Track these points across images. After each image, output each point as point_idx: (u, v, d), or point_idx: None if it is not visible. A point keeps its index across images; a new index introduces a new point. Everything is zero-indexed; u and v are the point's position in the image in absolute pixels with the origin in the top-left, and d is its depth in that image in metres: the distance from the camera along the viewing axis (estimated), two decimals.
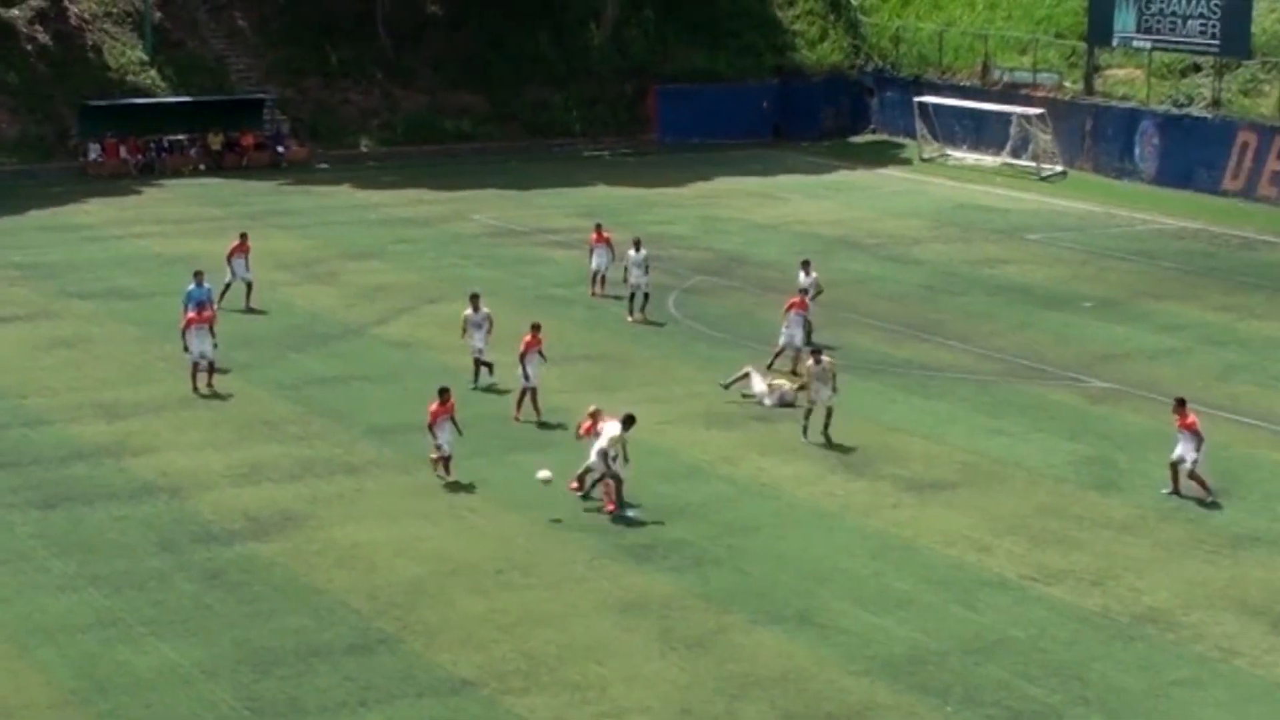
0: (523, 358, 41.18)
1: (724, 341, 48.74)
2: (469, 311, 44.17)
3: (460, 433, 37.08)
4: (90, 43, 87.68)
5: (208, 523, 34.57)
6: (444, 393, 36.84)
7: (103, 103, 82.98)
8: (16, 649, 28.64)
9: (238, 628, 29.41)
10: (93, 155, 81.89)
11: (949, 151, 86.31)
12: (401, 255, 61.39)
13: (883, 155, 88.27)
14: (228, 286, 52.82)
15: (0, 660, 28.19)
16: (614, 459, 34.99)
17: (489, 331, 43.98)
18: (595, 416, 35.99)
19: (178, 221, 69.24)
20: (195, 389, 43.42)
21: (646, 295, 51.15)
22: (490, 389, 43.64)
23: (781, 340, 45.50)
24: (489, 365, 43.83)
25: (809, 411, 39.87)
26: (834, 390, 39.74)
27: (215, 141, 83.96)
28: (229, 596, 30.84)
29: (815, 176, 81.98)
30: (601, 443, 35.02)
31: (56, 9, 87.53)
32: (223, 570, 32.07)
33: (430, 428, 36.67)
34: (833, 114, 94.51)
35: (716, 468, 38.20)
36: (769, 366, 44.56)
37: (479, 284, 55.59)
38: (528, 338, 41.47)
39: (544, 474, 35.03)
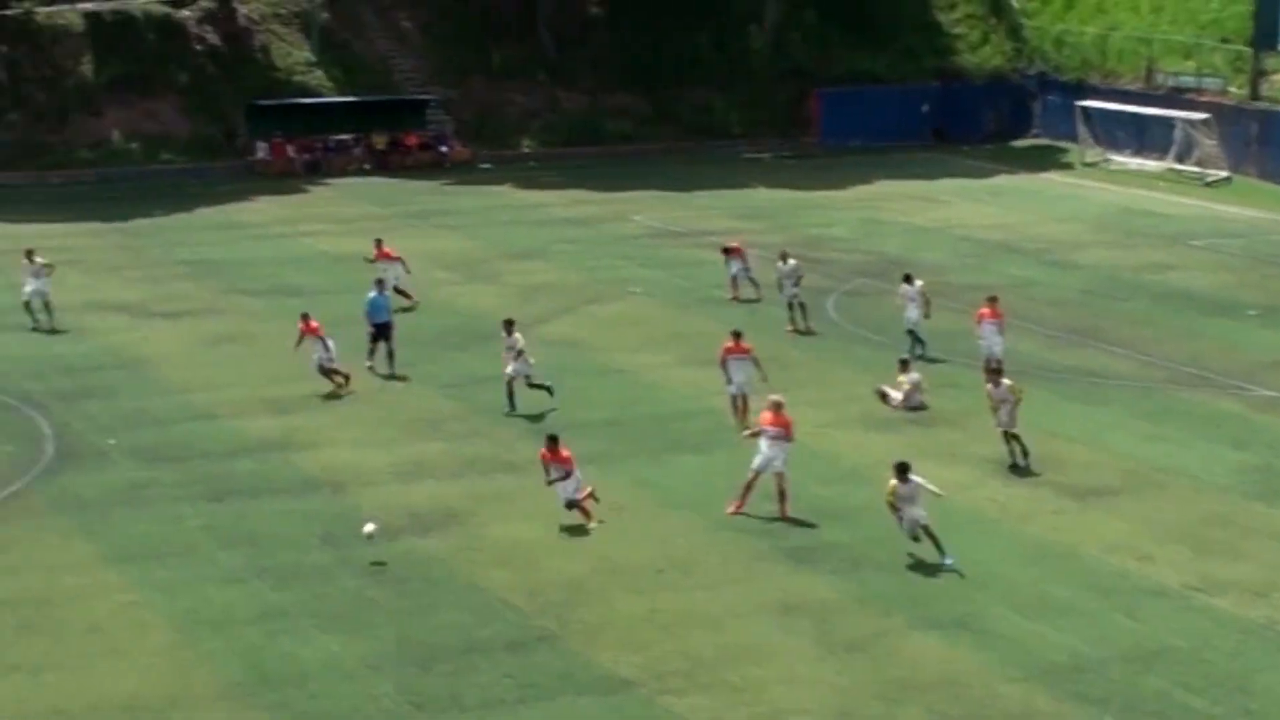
0: (723, 363, 40.86)
1: (883, 345, 48.58)
2: (503, 335, 42.74)
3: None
4: (258, 43, 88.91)
5: (371, 518, 34.93)
6: (553, 440, 35.10)
7: (270, 102, 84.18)
8: (184, 639, 29.14)
9: (400, 623, 29.75)
10: (260, 154, 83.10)
11: (1111, 156, 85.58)
12: (562, 255, 61.75)
13: (1044, 159, 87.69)
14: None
15: (168, 651, 28.71)
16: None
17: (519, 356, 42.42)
18: (777, 408, 35.56)
19: (342, 220, 70.07)
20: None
21: (803, 305, 50.87)
22: (649, 388, 43.77)
23: (982, 350, 44.71)
24: (547, 388, 42.67)
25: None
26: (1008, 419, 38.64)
27: (380, 141, 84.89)
28: (391, 591, 31.18)
29: (976, 180, 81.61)
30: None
31: (225, 10, 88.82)
32: (386, 565, 32.42)
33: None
34: (994, 117, 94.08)
35: (876, 471, 37.96)
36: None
37: (639, 283, 56.08)
38: (728, 344, 40.97)
39: (369, 528, 32.90)
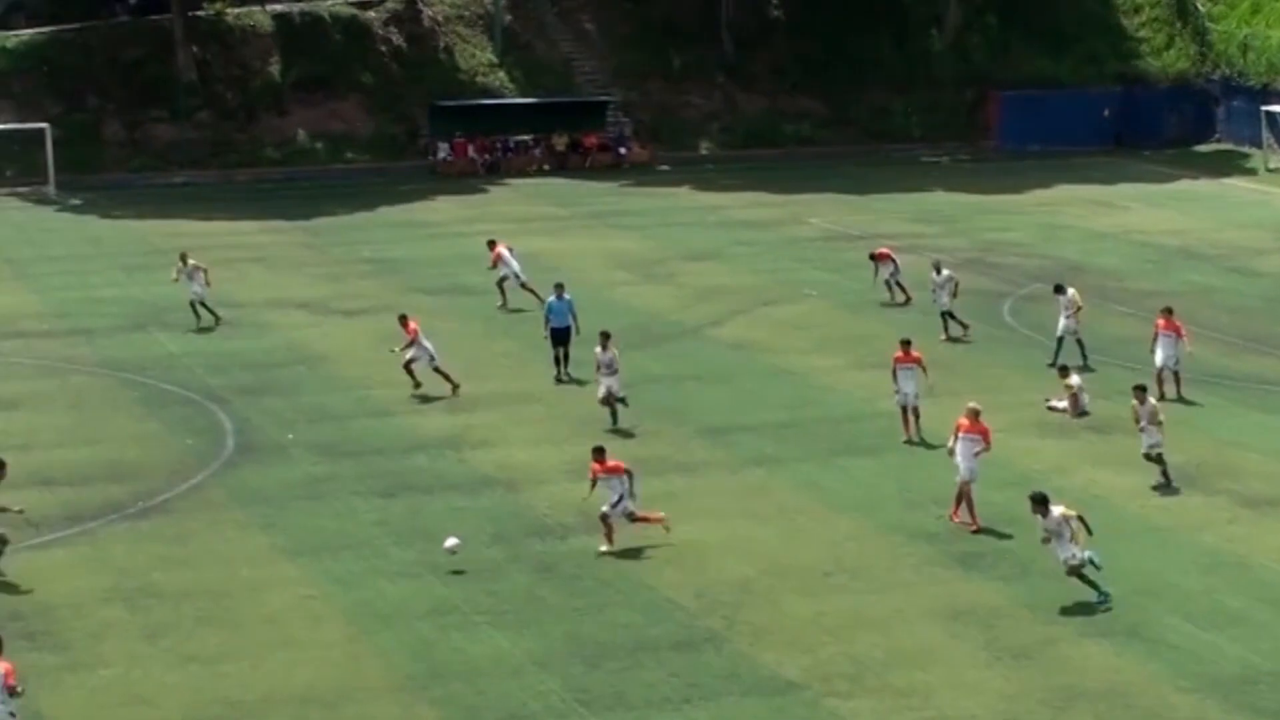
0: (894, 372, 40.27)
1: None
2: (598, 350, 41.85)
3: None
4: (442, 44, 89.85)
5: (542, 516, 35.29)
6: (599, 451, 34.00)
7: (452, 103, 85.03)
8: (357, 632, 29.60)
9: (568, 620, 30.01)
10: (442, 154, 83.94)
11: None
12: (739, 257, 61.90)
13: (1227, 165, 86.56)
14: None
15: (341, 643, 29.18)
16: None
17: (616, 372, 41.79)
18: (974, 415, 35.23)
19: (521, 220, 70.59)
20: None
21: (953, 315, 50.00)
22: (821, 391, 43.76)
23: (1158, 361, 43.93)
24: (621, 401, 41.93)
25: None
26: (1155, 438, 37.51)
27: (560, 142, 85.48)
28: (561, 589, 31.46)
29: (1157, 185, 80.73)
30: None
31: (411, 11, 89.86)
32: (556, 563, 32.73)
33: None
34: (1176, 122, 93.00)
35: (1048, 478, 37.76)
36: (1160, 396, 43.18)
37: (814, 286, 56.05)
38: (898, 353, 40.32)
39: (452, 542, 32.41)
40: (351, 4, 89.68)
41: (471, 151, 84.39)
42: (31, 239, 66.67)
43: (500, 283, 53.15)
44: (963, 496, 34.73)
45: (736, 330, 50.88)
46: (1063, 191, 78.31)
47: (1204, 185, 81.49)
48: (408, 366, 43.92)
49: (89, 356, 47.98)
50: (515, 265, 53.90)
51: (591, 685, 27.54)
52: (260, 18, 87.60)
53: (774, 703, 27.10)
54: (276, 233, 67.90)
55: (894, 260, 54.67)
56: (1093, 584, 30.80)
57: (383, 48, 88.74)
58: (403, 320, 44.63)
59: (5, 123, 79.65)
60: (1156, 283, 58.09)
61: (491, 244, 55.00)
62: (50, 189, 76.00)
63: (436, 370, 43.88)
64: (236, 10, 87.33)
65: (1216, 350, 49.08)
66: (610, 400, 41.29)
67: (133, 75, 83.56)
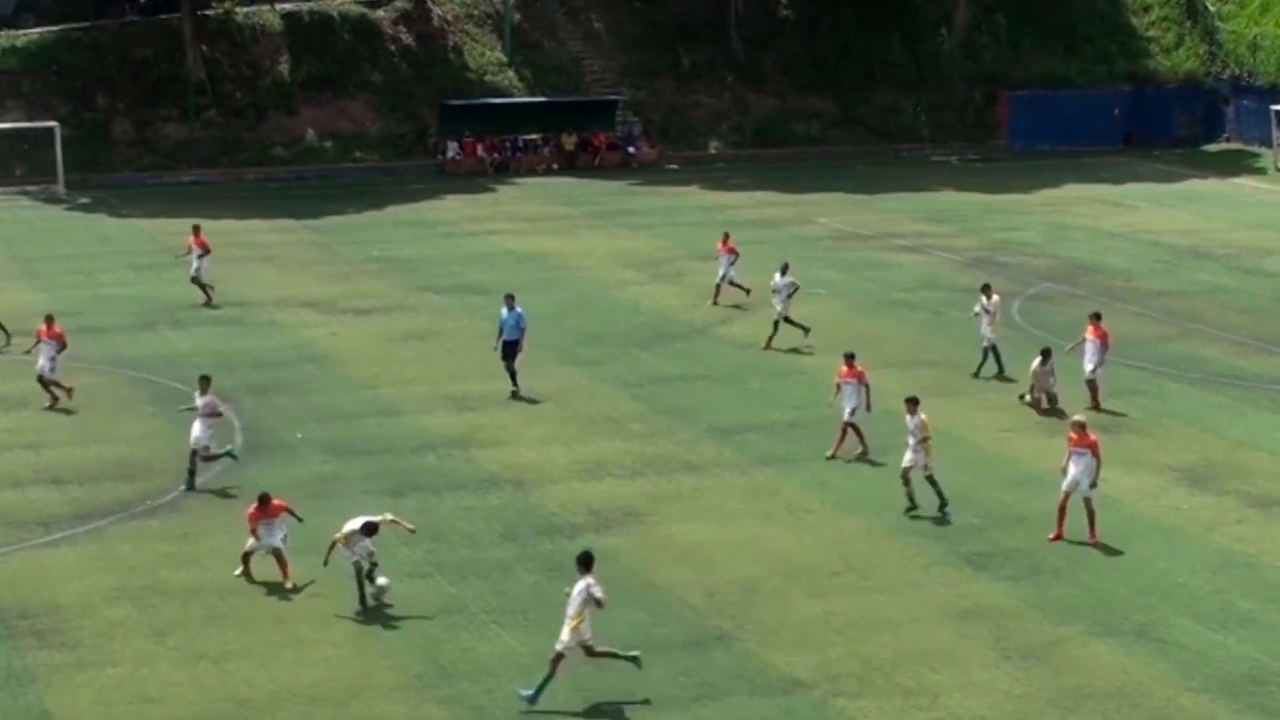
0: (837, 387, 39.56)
1: (1068, 351, 48.16)
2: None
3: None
4: (451, 43, 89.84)
5: (551, 515, 35.31)
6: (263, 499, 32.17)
7: (461, 102, 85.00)
8: (365, 632, 29.63)
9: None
10: (451, 153, 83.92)
11: None
12: (747, 257, 61.75)
13: (1236, 165, 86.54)
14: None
15: (349, 642, 29.21)
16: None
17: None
18: (1081, 428, 34.05)
19: (530, 219, 70.67)
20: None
21: (789, 320, 48.91)
22: (830, 390, 43.75)
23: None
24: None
25: None
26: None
27: (569, 141, 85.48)
28: None
29: (1166, 185, 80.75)
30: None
31: (420, 10, 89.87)
32: (565, 563, 32.58)
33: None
34: (1186, 122, 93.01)
35: (1057, 477, 37.72)
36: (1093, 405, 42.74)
37: (823, 285, 56.00)
38: (842, 368, 39.58)
39: (383, 581, 30.90)
40: (361, 3, 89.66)
41: (480, 150, 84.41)
42: (41, 237, 66.72)
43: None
44: (1064, 510, 34.17)
45: (744, 329, 50.86)
46: (1072, 191, 78.31)
47: (1213, 185, 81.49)
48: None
49: (98, 355, 47.99)
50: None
51: (598, 685, 27.54)
52: (269, 17, 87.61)
53: (782, 702, 27.13)
54: (285, 232, 67.94)
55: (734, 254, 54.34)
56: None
57: (392, 47, 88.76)
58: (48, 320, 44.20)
59: (15, 122, 79.75)
60: (1165, 282, 58.10)
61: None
62: (60, 188, 76.07)
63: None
64: (246, 9, 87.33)
65: (1226, 350, 49.10)
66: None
67: (142, 74, 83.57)
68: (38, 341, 43.50)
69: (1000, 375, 45.22)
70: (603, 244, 64.95)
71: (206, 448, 37.21)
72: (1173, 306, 54.16)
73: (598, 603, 26.98)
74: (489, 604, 30.74)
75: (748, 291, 53.44)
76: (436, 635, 29.41)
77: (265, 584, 31.56)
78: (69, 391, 43.13)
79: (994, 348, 45.55)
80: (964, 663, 28.57)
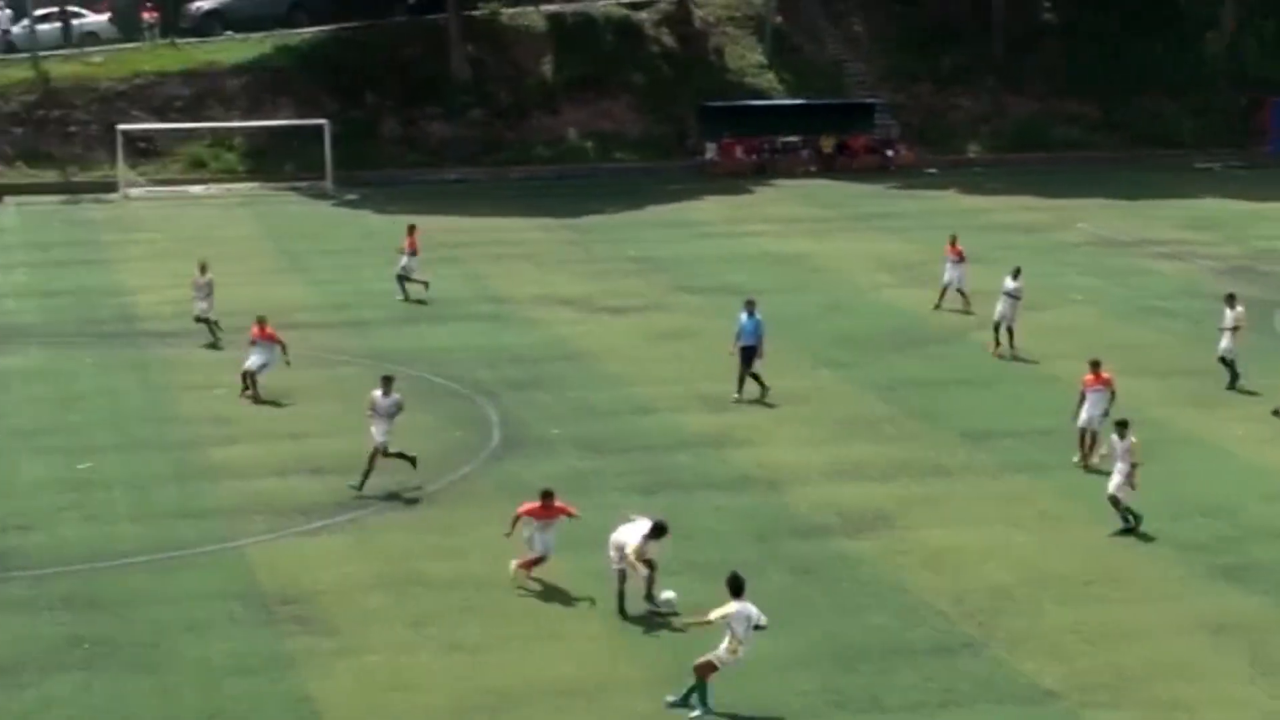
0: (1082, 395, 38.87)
1: None
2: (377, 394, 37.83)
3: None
4: (712, 45, 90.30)
5: (802, 517, 35.44)
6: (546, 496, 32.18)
7: (721, 104, 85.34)
8: (618, 627, 29.96)
9: (827, 621, 30.13)
10: (710, 155, 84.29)
11: None
12: (1004, 262, 61.17)
13: None
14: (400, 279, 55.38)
15: (602, 637, 29.62)
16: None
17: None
18: None
19: (787, 221, 70.83)
20: None
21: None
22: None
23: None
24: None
25: None
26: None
27: (827, 144, 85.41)
28: (819, 590, 31.59)
29: None
30: None
31: (682, 12, 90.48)
32: (815, 564, 32.86)
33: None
34: None
35: None
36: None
37: (1080, 291, 55.49)
38: (1088, 375, 38.96)
39: (668, 594, 30.40)
40: (624, 4, 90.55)
41: (739, 152, 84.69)
42: (309, 233, 68.31)
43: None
44: None
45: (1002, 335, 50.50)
46: None
47: None
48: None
49: (360, 348, 49.05)
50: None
51: (847, 686, 27.66)
52: (534, 18, 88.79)
53: (1031, 712, 27.00)
54: (545, 230, 68.79)
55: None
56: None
57: (654, 48, 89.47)
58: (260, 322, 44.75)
59: (286, 119, 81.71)
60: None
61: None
62: (328, 184, 77.78)
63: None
64: (511, 10, 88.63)
65: None
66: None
67: (409, 73, 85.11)
68: (253, 343, 44.38)
69: (1232, 386, 44.37)
70: (859, 247, 64.91)
71: (385, 445, 37.03)
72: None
73: (757, 627, 26.94)
74: None
75: (967, 301, 52.99)
76: (686, 634, 29.63)
77: (519, 577, 32.04)
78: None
79: (1226, 360, 44.72)
80: (1218, 677, 28.21)
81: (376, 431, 37.08)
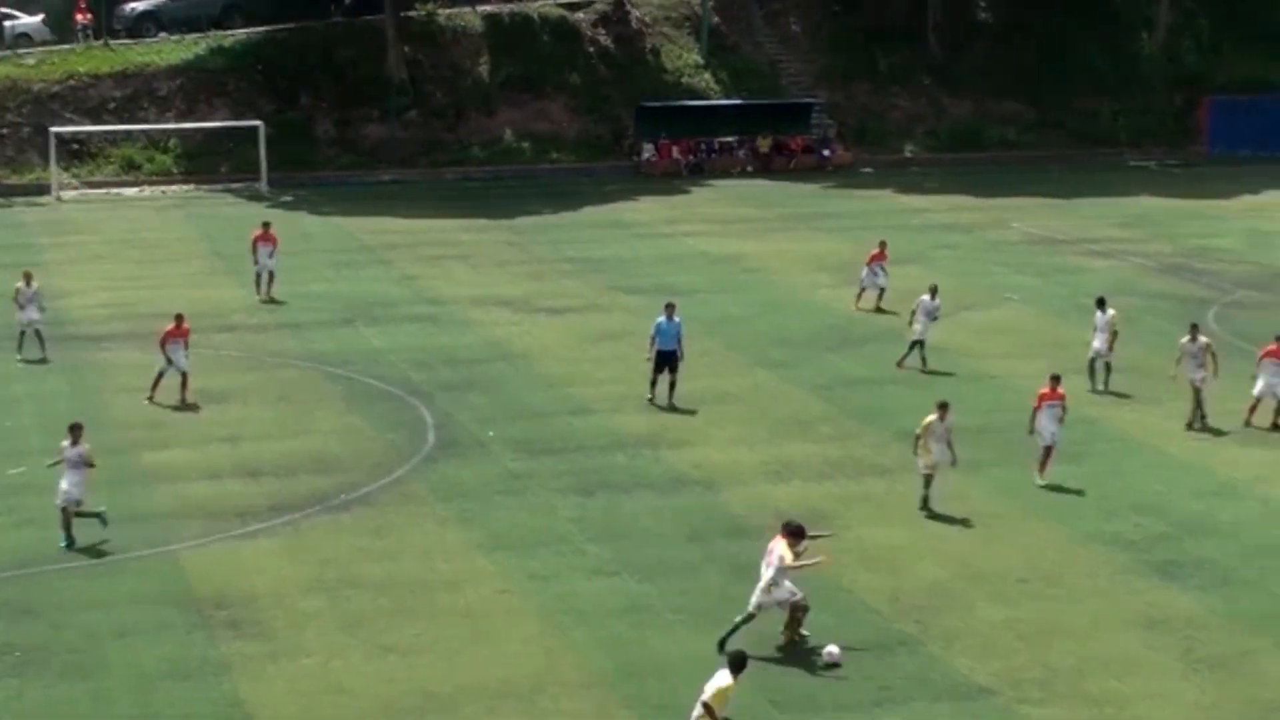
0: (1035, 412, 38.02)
1: None
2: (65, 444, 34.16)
3: None
4: (649, 45, 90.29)
5: (738, 517, 35.42)
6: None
7: (658, 104, 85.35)
8: (552, 629, 29.91)
9: (762, 621, 30.04)
10: (646, 155, 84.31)
11: None
12: (940, 261, 61.59)
13: None
14: (258, 277, 55.51)
15: (536, 639, 29.49)
16: None
17: None
18: None
19: (723, 221, 70.88)
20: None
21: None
22: (1020, 395, 43.57)
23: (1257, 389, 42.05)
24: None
25: None
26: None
27: (764, 144, 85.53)
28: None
29: None
30: None
31: (619, 12, 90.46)
32: (751, 564, 32.69)
33: None
34: None
35: (1251, 487, 37.43)
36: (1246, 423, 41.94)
37: (1015, 290, 55.65)
38: (1044, 389, 38.19)
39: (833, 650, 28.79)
40: (560, 5, 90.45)
41: (676, 152, 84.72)
42: (244, 234, 67.75)
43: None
44: None
45: (936, 334, 50.40)
46: (1273, 197, 77.18)
47: None
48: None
49: (296, 350, 48.85)
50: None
51: (784, 686, 27.66)
52: (471, 18, 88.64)
53: (966, 708, 27.06)
54: (481, 231, 68.64)
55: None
56: None
57: (590, 48, 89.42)
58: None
59: (220, 120, 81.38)
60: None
61: (266, 225, 56.49)
62: (263, 186, 77.50)
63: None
64: (448, 11, 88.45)
65: None
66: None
67: (344, 75, 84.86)
68: (166, 343, 43.76)
69: (1105, 387, 44.56)
70: (795, 247, 65.00)
71: (78, 502, 33.53)
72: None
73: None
74: (675, 604, 30.92)
75: (875, 305, 53.41)
76: (622, 634, 29.63)
77: (453, 579, 31.95)
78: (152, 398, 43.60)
79: (1098, 360, 44.77)
80: (1151, 672, 28.34)
81: (67, 484, 33.57)
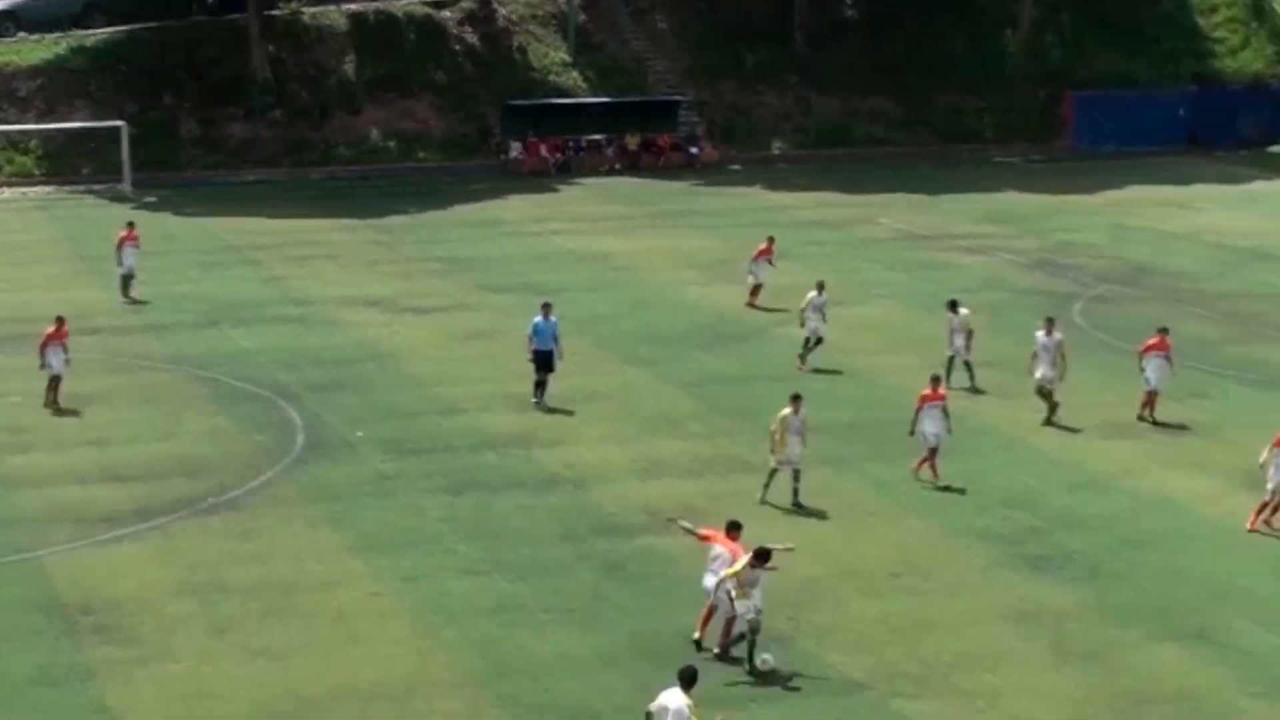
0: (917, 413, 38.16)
1: (1130, 352, 47.97)
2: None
3: None
4: (515, 44, 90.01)
5: (610, 515, 35.36)
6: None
7: (525, 102, 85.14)
8: (424, 629, 29.73)
9: (635, 619, 30.07)
10: (514, 153, 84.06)
11: None
12: (809, 257, 61.74)
13: None
14: (124, 279, 55.16)
15: (408, 639, 29.31)
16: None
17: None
18: None
19: (592, 219, 70.79)
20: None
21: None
22: (890, 391, 43.73)
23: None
24: None
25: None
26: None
27: (632, 142, 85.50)
28: (627, 588, 31.52)
29: (1231, 186, 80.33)
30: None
31: (485, 10, 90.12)
32: (623, 562, 32.79)
33: None
34: (1252, 122, 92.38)
35: (1118, 480, 37.77)
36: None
37: (884, 286, 55.92)
38: (926, 390, 37.99)
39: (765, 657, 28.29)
40: (426, 3, 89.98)
41: (544, 151, 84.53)
42: (107, 236, 66.83)
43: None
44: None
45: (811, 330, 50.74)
46: (1136, 192, 77.95)
47: (1279, 186, 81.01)
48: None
49: (162, 353, 48.30)
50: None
51: (656, 684, 27.34)
52: (335, 17, 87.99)
53: (839, 703, 27.13)
54: (348, 231, 68.17)
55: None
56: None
57: (456, 47, 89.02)
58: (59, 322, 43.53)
59: (82, 121, 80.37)
60: (1229, 284, 57.84)
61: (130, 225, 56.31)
62: (126, 186, 76.58)
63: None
64: (312, 9, 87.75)
65: None
66: None
67: (208, 74, 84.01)
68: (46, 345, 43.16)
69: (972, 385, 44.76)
70: (664, 244, 64.99)
71: None
72: (1236, 308, 53.88)
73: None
74: (546, 602, 30.81)
75: (751, 302, 53.66)
76: (494, 633, 29.49)
77: (324, 581, 31.68)
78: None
79: (955, 359, 44.91)
80: (1023, 665, 28.52)
81: None
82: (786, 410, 35.98)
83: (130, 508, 35.62)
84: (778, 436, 35.86)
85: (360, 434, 40.74)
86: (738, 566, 28.28)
